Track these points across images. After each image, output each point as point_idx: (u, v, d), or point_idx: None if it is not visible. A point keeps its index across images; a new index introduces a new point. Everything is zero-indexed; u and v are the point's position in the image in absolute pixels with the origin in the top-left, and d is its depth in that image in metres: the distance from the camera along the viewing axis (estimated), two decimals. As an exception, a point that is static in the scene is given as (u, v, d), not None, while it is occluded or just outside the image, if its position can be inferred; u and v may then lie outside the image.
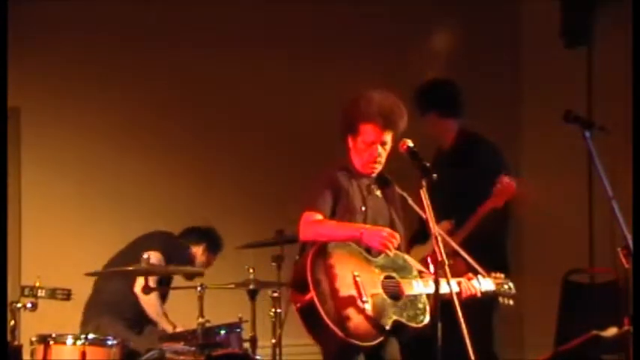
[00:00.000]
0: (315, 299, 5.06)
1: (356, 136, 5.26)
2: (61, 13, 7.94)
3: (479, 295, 5.33)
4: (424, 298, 5.22)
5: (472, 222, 6.28)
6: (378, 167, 5.30)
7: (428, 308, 5.19)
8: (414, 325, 5.18)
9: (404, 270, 5.23)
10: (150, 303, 6.80)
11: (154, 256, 6.69)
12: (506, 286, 5.46)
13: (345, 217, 5.24)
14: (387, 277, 5.20)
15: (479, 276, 5.38)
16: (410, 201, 5.28)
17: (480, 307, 6.21)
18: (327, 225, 5.19)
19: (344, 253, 5.18)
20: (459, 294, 5.17)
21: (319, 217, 5.21)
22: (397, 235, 5.15)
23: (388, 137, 5.24)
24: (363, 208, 5.26)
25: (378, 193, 5.36)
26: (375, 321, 5.12)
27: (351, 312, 5.09)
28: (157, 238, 7.01)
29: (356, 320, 5.10)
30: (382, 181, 5.38)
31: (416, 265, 5.31)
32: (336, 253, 5.20)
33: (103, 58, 8.04)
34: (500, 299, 5.40)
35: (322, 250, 5.21)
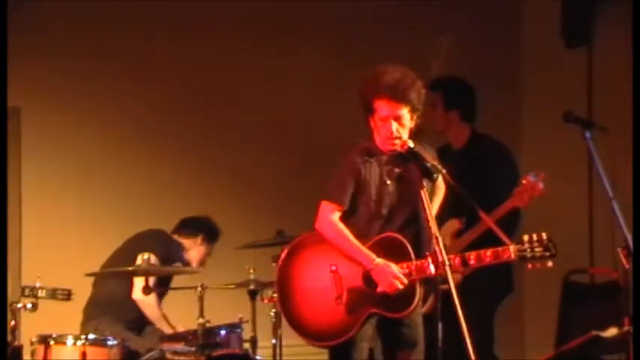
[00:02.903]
0: (278, 303, 5.28)
1: (373, 115, 5.20)
2: (62, 13, 7.93)
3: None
4: (415, 283, 5.12)
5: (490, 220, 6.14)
6: (398, 143, 5.17)
7: (418, 294, 5.13)
8: (393, 314, 5.17)
9: (399, 254, 5.16)
10: (148, 304, 6.79)
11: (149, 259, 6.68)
12: (537, 250, 5.06)
13: (360, 208, 5.23)
14: None
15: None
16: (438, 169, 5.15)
17: (481, 308, 6.20)
18: (344, 240, 5.18)
19: (324, 245, 5.22)
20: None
21: (337, 213, 5.19)
22: (402, 278, 5.08)
23: (403, 111, 5.14)
24: (375, 198, 5.21)
25: (400, 171, 5.23)
26: (346, 317, 5.13)
27: (316, 311, 5.16)
28: (151, 238, 6.97)
29: (321, 319, 5.15)
30: (407, 156, 5.20)
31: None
32: (315, 245, 5.23)
33: (104, 58, 8.03)
34: (530, 265, 5.05)
35: (299, 244, 5.26)
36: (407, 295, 5.12)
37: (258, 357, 6.35)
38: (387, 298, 5.12)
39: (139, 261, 6.32)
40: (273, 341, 6.61)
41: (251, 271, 6.54)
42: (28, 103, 7.83)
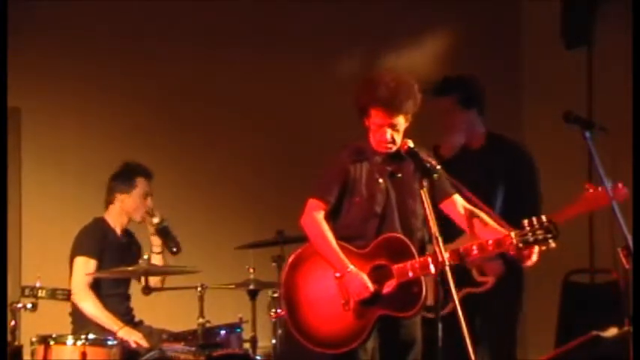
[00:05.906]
0: (286, 315, 5.23)
1: (368, 119, 5.23)
2: (62, 13, 7.93)
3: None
4: (421, 281, 5.12)
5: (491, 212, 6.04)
6: (392, 146, 5.21)
7: (424, 292, 5.12)
8: (402, 314, 5.17)
9: (402, 254, 5.17)
10: (86, 305, 6.57)
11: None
12: (538, 232, 5.01)
13: (352, 208, 5.24)
14: (375, 268, 5.18)
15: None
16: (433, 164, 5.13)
17: (505, 308, 6.16)
18: (323, 241, 5.19)
19: None
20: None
21: (322, 211, 5.22)
22: (370, 288, 5.10)
23: (398, 119, 5.17)
24: (366, 196, 5.22)
25: (393, 170, 5.27)
26: (356, 322, 5.12)
27: (325, 320, 5.16)
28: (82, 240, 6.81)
29: (331, 327, 5.15)
30: (405, 156, 5.22)
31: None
32: (316, 255, 5.22)
33: (104, 58, 8.04)
34: (537, 248, 5.01)
35: (300, 257, 5.26)
36: (414, 294, 5.13)
37: (258, 357, 6.36)
38: (394, 298, 5.13)
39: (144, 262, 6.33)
40: (274, 341, 6.61)
41: (251, 271, 6.54)
42: (28, 103, 7.83)
